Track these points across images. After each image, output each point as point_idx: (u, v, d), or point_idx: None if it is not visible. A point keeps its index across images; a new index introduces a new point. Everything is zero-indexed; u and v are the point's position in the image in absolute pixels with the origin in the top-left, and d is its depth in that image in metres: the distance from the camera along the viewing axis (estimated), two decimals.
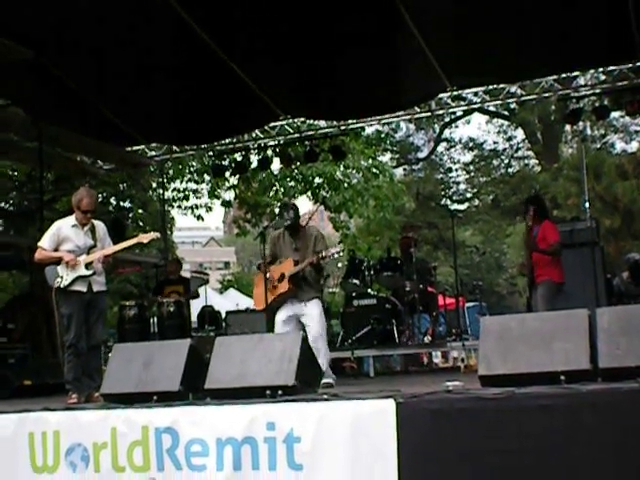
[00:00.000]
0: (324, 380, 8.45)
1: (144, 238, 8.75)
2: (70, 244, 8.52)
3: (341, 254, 9.43)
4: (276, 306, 9.12)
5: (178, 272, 14.19)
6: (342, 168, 22.44)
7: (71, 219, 8.63)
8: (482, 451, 5.28)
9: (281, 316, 9.03)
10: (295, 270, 8.94)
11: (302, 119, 14.96)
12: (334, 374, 9.07)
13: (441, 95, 13.66)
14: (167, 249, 19.57)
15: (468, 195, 38.42)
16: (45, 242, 8.54)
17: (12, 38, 10.89)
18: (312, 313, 8.95)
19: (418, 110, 14.51)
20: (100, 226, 8.80)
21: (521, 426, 5.22)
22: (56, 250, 8.49)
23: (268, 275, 9.06)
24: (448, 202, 36.37)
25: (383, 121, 16.30)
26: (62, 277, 8.36)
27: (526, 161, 37.19)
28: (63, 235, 8.54)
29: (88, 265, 8.44)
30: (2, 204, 21.11)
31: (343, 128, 15.36)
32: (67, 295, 8.38)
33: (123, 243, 8.84)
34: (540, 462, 5.15)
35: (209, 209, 23.43)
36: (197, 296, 13.92)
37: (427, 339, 12.49)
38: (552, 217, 10.76)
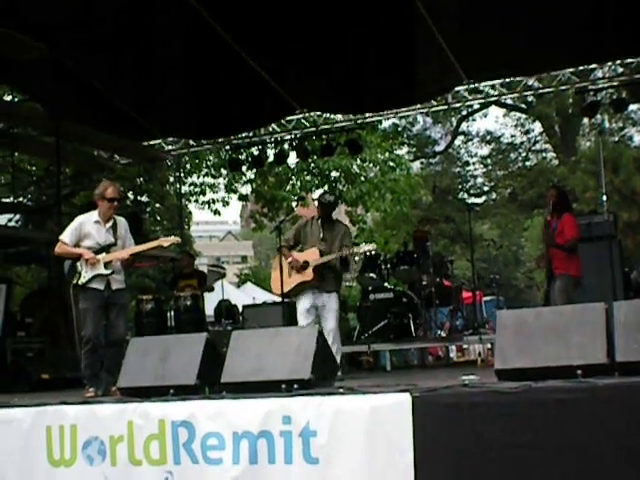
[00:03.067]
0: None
1: (165, 242, 8.79)
2: (91, 241, 8.54)
3: (373, 252, 9.44)
4: (294, 293, 9.16)
5: (191, 266, 14.21)
6: (359, 162, 22.40)
7: (94, 215, 8.65)
8: (498, 445, 5.27)
9: (304, 305, 9.08)
10: (322, 261, 8.99)
11: (318, 113, 14.95)
12: (351, 368, 9.11)
13: (458, 88, 13.62)
14: (184, 243, 19.61)
15: (485, 188, 38.26)
16: (66, 236, 8.55)
17: (28, 33, 10.93)
18: (332, 307, 9.01)
19: (435, 103, 14.48)
20: (122, 222, 8.82)
21: (537, 420, 5.21)
22: (77, 245, 8.52)
23: (290, 260, 9.07)
24: (465, 196, 36.19)
25: (400, 114, 16.31)
26: (80, 273, 8.40)
27: (544, 154, 37.00)
28: (85, 231, 8.56)
29: (107, 264, 8.48)
30: (20, 199, 21.16)
31: (360, 121, 15.33)
32: (85, 291, 8.42)
33: (143, 245, 8.89)
34: (556, 456, 5.14)
35: (226, 203, 23.40)
36: (212, 289, 13.93)
37: (443, 333, 12.47)
38: (573, 210, 10.61)
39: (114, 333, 8.58)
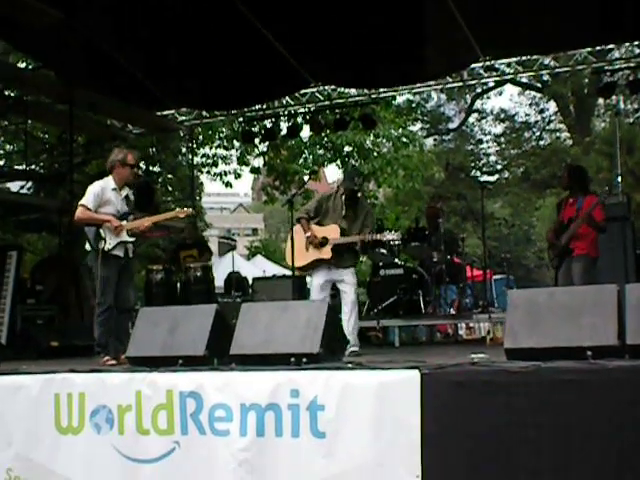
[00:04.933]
0: (352, 348, 8.52)
1: (181, 213, 8.87)
2: (111, 207, 8.53)
3: (397, 242, 9.36)
4: (309, 268, 9.13)
5: (193, 237, 14.23)
6: (372, 137, 22.38)
7: (110, 182, 8.63)
8: (506, 424, 5.27)
9: (318, 280, 9.03)
10: (342, 241, 8.91)
11: (333, 87, 14.90)
12: (359, 343, 9.10)
13: (473, 65, 13.57)
14: (196, 214, 19.61)
15: (498, 167, 38.13)
16: (89, 202, 8.46)
17: (42, 0, 10.89)
18: (350, 281, 8.99)
19: (450, 80, 14.43)
20: (130, 192, 8.83)
21: (546, 400, 5.20)
22: (95, 211, 8.50)
23: (309, 234, 9.01)
24: (478, 173, 36.08)
25: (414, 90, 16.28)
26: (105, 240, 8.37)
27: (558, 134, 36.83)
28: (106, 197, 8.54)
29: (128, 231, 8.49)
30: (32, 166, 21.17)
31: (374, 97, 15.32)
32: (107, 258, 8.39)
33: (162, 215, 8.99)
34: (564, 437, 5.13)
35: (238, 176, 23.42)
36: (210, 257, 13.90)
37: (453, 311, 12.46)
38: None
39: (126, 300, 8.63)
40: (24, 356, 9.94)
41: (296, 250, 9.18)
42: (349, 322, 8.76)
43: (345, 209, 9.11)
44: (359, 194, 9.41)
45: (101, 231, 8.40)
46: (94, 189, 8.56)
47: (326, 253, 8.94)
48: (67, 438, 6.75)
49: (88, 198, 8.50)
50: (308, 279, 10.33)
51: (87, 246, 8.53)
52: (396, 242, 9.29)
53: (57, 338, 11.31)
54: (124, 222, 8.50)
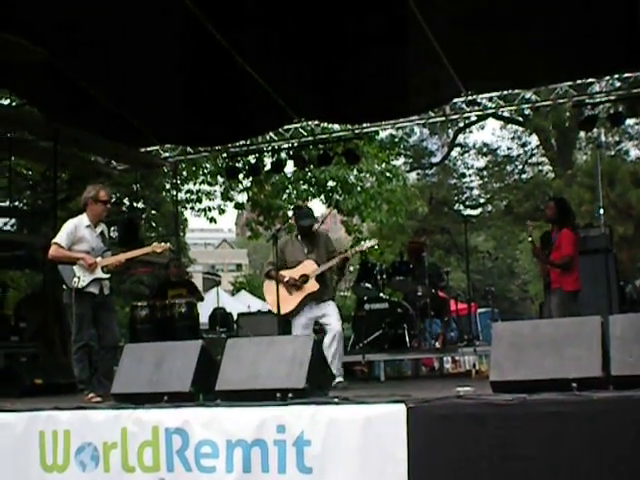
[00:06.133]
0: (339, 380, 8.56)
1: (158, 248, 8.83)
2: (85, 245, 8.53)
3: (376, 247, 9.42)
4: (298, 309, 9.15)
5: (181, 274, 14.17)
6: (355, 172, 22.41)
7: (84, 219, 8.63)
8: (493, 457, 5.27)
9: (302, 320, 9.11)
10: (322, 269, 9.02)
11: (316, 122, 14.97)
12: (344, 378, 9.11)
13: (455, 100, 13.64)
14: (179, 250, 19.59)
15: (481, 200, 38.28)
16: (63, 239, 8.48)
17: (27, 37, 10.92)
18: (333, 313, 9.06)
19: (432, 115, 14.49)
20: (105, 228, 8.85)
21: (532, 432, 5.21)
22: (69, 249, 8.49)
23: (287, 279, 9.09)
24: (461, 207, 36.25)
25: (397, 125, 16.37)
26: (79, 277, 8.36)
27: (540, 167, 37.03)
28: (80, 235, 8.54)
29: (103, 268, 8.48)
30: (16, 203, 21.13)
31: (357, 132, 15.35)
32: (81, 295, 8.36)
33: (137, 251, 8.92)
34: (550, 469, 5.14)
35: (222, 211, 23.44)
36: (202, 299, 13.91)
37: (438, 344, 12.46)
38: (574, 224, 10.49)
39: (110, 338, 8.60)
40: (7, 394, 9.85)
41: (280, 299, 9.15)
42: (329, 350, 8.77)
43: (305, 246, 9.28)
44: (313, 228, 9.52)
45: (75, 269, 8.39)
46: (67, 227, 8.59)
47: (313, 286, 9.04)
48: (52, 476, 6.71)
49: (61, 236, 8.52)
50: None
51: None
52: (375, 248, 9.35)
53: (41, 376, 11.21)
54: (99, 259, 8.50)
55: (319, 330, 9.91)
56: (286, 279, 9.13)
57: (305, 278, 9.05)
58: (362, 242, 9.24)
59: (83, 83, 12.49)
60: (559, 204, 10.46)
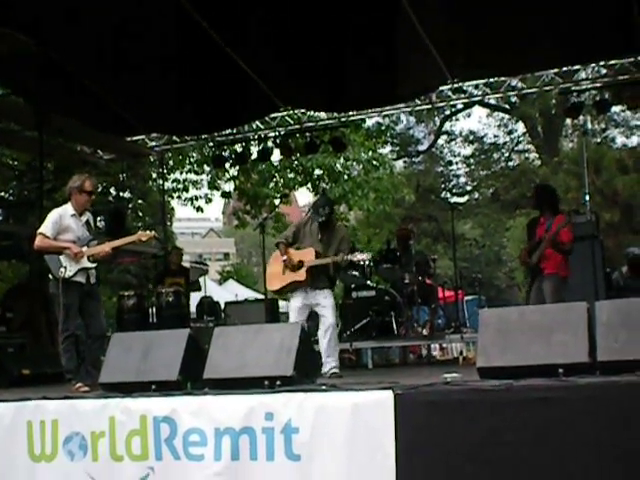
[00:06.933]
0: (334, 370, 8.61)
1: (143, 236, 8.84)
2: (71, 234, 8.51)
3: (367, 262, 9.44)
4: (286, 291, 9.23)
5: (179, 262, 14.18)
6: (342, 160, 22.45)
7: (69, 208, 8.61)
8: (479, 443, 5.29)
9: (296, 303, 9.13)
10: (317, 263, 9.02)
11: (303, 110, 14.95)
12: None
13: (442, 88, 13.65)
14: (167, 240, 19.57)
15: (468, 188, 38.40)
16: (48, 229, 8.46)
17: (12, 27, 10.87)
18: (327, 303, 9.07)
19: (419, 102, 14.52)
20: (91, 217, 8.83)
21: (519, 418, 5.23)
22: (55, 239, 8.48)
23: (285, 258, 9.11)
24: (448, 195, 36.33)
25: (384, 113, 16.33)
26: (66, 267, 8.34)
27: (526, 155, 37.18)
28: (65, 224, 8.52)
29: (89, 257, 8.47)
30: (2, 193, 21.07)
31: (344, 120, 15.35)
32: (68, 285, 8.35)
33: (122, 240, 8.89)
34: (537, 454, 5.16)
35: (209, 200, 23.43)
36: (199, 289, 13.95)
37: (425, 332, 12.49)
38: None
39: (97, 327, 8.59)
40: None
41: (274, 274, 9.36)
42: (323, 341, 8.83)
43: (320, 233, 9.24)
44: (334, 220, 9.54)
45: (61, 258, 8.37)
46: (52, 216, 8.57)
47: (301, 275, 9.05)
48: (41, 466, 6.69)
49: (47, 226, 8.50)
50: (282, 303, 10.35)
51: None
52: (366, 262, 9.35)
53: (28, 366, 11.19)
54: (85, 248, 8.48)
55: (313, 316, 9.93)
56: (284, 257, 9.16)
57: (300, 264, 9.07)
58: (356, 252, 9.19)
59: (69, 71, 12.42)
60: (540, 190, 10.46)
